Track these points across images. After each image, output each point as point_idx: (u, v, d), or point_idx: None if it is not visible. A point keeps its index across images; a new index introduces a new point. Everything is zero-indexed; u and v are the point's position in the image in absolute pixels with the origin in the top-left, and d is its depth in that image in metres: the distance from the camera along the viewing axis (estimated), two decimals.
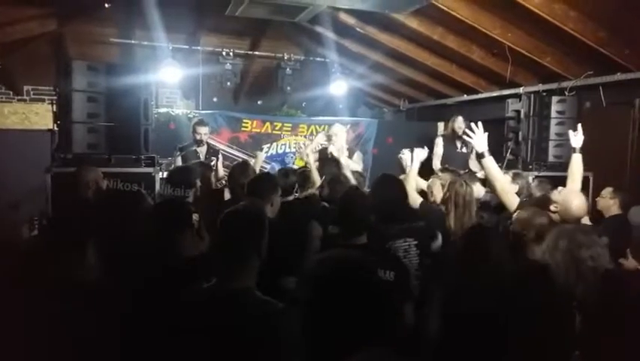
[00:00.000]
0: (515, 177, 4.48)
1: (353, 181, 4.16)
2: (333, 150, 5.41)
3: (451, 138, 6.33)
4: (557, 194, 3.36)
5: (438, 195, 4.16)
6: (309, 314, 1.31)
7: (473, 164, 5.82)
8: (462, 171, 5.24)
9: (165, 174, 4.26)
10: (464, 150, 6.22)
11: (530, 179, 4.62)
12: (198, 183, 3.87)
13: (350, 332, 1.25)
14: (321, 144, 6.36)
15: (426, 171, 5.93)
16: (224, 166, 6.53)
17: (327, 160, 5.41)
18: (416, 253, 2.97)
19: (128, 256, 2.38)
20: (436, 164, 6.18)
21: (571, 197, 3.25)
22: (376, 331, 1.28)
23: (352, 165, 5.38)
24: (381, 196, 3.06)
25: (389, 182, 3.25)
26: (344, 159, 5.21)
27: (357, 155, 5.87)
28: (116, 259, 2.30)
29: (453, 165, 5.79)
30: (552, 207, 3.25)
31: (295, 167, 6.45)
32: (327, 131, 6.18)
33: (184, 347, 1.84)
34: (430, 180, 4.34)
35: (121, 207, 3.19)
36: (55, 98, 4.80)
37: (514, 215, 3.00)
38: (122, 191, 3.83)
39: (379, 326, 1.28)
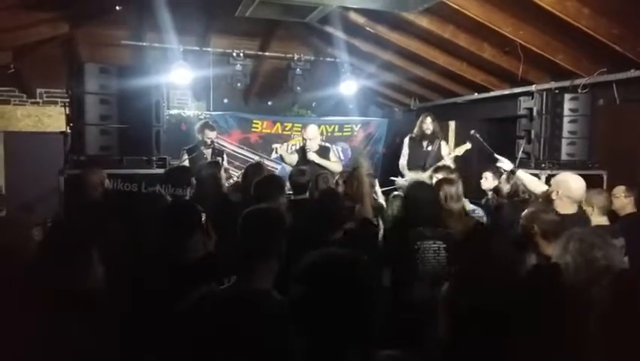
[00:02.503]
0: (509, 177, 4.49)
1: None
2: (310, 155, 5.48)
3: (419, 137, 6.45)
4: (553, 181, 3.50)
5: None
6: (300, 312, 1.32)
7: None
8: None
9: (163, 174, 4.28)
10: (429, 148, 6.33)
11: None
12: (194, 181, 3.92)
13: (341, 328, 1.26)
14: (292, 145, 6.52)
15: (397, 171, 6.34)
16: (234, 167, 6.56)
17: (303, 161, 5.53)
18: (445, 256, 3.03)
19: (139, 258, 2.39)
20: (402, 163, 6.45)
21: (565, 177, 3.41)
22: (366, 326, 1.28)
23: (331, 166, 5.45)
24: (414, 200, 3.24)
25: (423, 187, 3.44)
26: (319, 160, 5.46)
27: (333, 152, 5.89)
28: (127, 261, 2.31)
29: (418, 162, 6.22)
30: (553, 196, 3.36)
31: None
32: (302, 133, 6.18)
33: (202, 347, 1.84)
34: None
35: (132, 209, 3.21)
36: (67, 100, 4.86)
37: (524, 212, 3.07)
38: (132, 192, 3.86)
39: (369, 321, 1.29)
